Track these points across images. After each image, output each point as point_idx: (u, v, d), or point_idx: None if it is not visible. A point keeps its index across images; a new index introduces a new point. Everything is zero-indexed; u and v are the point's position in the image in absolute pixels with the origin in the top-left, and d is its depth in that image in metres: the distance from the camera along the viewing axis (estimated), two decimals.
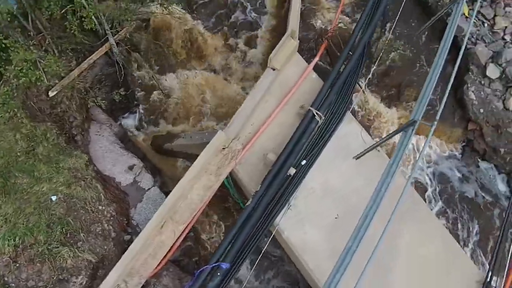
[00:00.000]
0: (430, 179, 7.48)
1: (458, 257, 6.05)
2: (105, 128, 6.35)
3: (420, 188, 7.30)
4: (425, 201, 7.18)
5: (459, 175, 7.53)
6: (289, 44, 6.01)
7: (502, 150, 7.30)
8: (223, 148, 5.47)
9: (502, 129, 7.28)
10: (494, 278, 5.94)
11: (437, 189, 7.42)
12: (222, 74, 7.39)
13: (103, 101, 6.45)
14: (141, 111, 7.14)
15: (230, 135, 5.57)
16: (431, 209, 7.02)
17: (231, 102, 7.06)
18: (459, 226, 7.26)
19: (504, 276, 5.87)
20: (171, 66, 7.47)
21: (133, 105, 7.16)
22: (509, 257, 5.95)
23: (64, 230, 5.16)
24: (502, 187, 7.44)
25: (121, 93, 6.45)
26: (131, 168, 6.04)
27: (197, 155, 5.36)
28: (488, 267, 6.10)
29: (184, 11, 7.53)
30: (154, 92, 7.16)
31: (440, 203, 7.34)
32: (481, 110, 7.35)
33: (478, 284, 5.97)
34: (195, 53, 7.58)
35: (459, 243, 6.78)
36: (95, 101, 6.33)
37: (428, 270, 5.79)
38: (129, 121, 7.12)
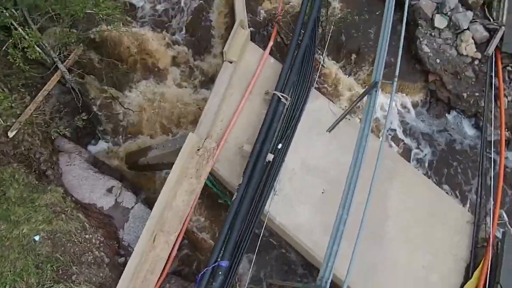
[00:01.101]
0: (403, 135, 7.65)
1: (445, 203, 6.27)
2: (74, 157, 6.18)
3: (396, 145, 7.49)
4: (404, 157, 7.39)
5: (429, 126, 7.75)
6: (241, 34, 6.00)
7: (464, 94, 7.55)
8: (198, 149, 5.43)
9: (461, 75, 7.52)
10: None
11: (412, 143, 7.61)
12: (181, 80, 7.30)
13: (67, 130, 6.28)
14: (108, 131, 6.99)
15: (201, 135, 5.53)
16: (410, 163, 7.21)
17: (195, 105, 7.01)
18: (439, 174, 7.48)
19: (491, 213, 6.14)
20: (129, 81, 7.34)
21: (98, 127, 7.01)
22: (492, 194, 6.23)
23: (54, 268, 5.01)
24: (470, 130, 7.72)
25: (83, 118, 6.30)
26: (110, 190, 5.90)
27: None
28: (474, 206, 6.35)
29: (133, 26, 7.42)
30: (117, 110, 7.01)
31: (417, 156, 7.54)
32: (438, 61, 7.56)
33: (469, 224, 6.21)
34: (151, 64, 7.47)
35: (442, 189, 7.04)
36: (58, 131, 6.17)
37: (420, 221, 5.98)
38: (98, 144, 6.96)
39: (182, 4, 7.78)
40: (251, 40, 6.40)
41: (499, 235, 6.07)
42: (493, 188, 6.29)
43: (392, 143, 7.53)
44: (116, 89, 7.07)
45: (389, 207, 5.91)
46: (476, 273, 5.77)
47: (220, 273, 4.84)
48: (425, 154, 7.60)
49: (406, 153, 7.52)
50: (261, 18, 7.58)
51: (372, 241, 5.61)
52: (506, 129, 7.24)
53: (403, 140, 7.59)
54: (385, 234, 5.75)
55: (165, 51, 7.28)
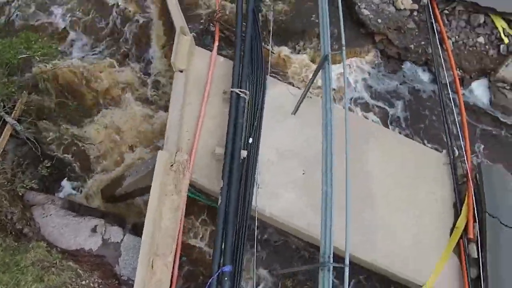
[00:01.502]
0: (370, 99, 7.83)
1: (418, 151, 6.52)
2: (48, 207, 5.94)
3: (366, 109, 7.66)
4: (376, 119, 7.58)
5: (389, 83, 7.98)
6: (184, 41, 5.93)
7: (412, 46, 7.83)
8: (171, 165, 5.34)
9: (403, 29, 7.78)
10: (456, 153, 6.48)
11: (380, 104, 7.80)
12: (137, 100, 7.14)
13: (33, 182, 6.01)
14: (76, 171, 6.76)
15: (171, 150, 5.45)
16: (379, 123, 7.42)
17: (157, 122, 6.89)
18: (412, 125, 7.73)
19: (463, 149, 6.40)
20: (85, 115, 7.11)
21: (65, 170, 6.77)
22: (459, 131, 6.49)
23: None
24: (426, 77, 8.02)
25: (46, 166, 6.06)
26: (94, 230, 5.73)
27: None
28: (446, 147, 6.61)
29: (74, 58, 7.19)
30: (79, 148, 6.80)
31: (388, 114, 7.75)
32: (379, 21, 7.78)
33: (446, 166, 6.48)
34: (103, 93, 7.27)
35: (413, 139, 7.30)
36: (24, 186, 5.90)
37: (402, 174, 6.21)
38: (69, 187, 6.72)
39: (120, 26, 7.59)
40: (198, 45, 6.36)
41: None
42: (459, 125, 6.56)
43: (363, 109, 7.70)
44: (73, 127, 6.84)
45: (370, 169, 6.07)
46: (464, 208, 6.02)
47: (226, 279, 4.81)
48: (394, 110, 7.82)
49: (376, 115, 7.72)
50: (201, 21, 7.52)
51: (362, 204, 5.76)
52: (457, 69, 7.57)
53: (371, 104, 7.77)
54: (373, 195, 5.91)
55: (113, 76, 7.10)
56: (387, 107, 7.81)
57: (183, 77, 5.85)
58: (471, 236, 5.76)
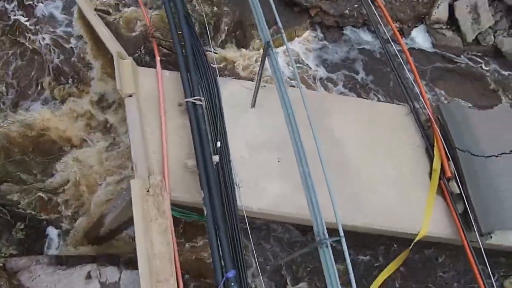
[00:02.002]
0: (325, 72, 7.97)
1: (380, 108, 6.73)
2: (34, 268, 5.70)
3: (325, 84, 7.79)
4: (334, 91, 7.73)
5: (335, 52, 8.15)
6: (124, 65, 5.81)
7: (346, 11, 8.01)
8: (148, 190, 5.24)
9: None
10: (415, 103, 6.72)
11: (335, 75, 7.95)
12: (95, 136, 6.94)
13: (12, 248, 5.80)
14: (54, 224, 6.52)
15: (143, 176, 5.34)
16: (336, 93, 7.58)
17: (124, 152, 6.73)
18: (368, 86, 7.95)
19: (420, 96, 6.63)
20: (47, 164, 6.86)
21: (42, 226, 6.52)
22: (412, 79, 6.71)
23: None
24: (368, 36, 8.24)
25: (20, 228, 5.85)
26: (88, 276, 5.56)
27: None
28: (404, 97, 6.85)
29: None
30: (51, 199, 6.56)
31: (343, 82, 7.93)
32: None
33: (409, 115, 6.71)
34: (58, 138, 7.01)
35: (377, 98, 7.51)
36: (4, 255, 5.66)
37: (371, 134, 6.38)
38: (52, 242, 6.49)
39: (54, 63, 7.30)
40: (141, 65, 6.24)
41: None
42: (410, 72, 6.78)
43: (321, 84, 7.82)
44: (38, 181, 6.59)
45: (339, 138, 6.21)
46: (435, 150, 6.26)
47: (232, 284, 4.79)
48: (351, 76, 8.01)
49: (335, 85, 7.87)
50: (138, 40, 7.38)
51: (341, 173, 5.88)
52: (394, 22, 7.81)
53: (326, 76, 7.90)
54: (349, 161, 6.06)
55: (62, 116, 6.87)
56: (343, 75, 7.99)
57: (134, 100, 5.73)
58: (448, 174, 6.00)
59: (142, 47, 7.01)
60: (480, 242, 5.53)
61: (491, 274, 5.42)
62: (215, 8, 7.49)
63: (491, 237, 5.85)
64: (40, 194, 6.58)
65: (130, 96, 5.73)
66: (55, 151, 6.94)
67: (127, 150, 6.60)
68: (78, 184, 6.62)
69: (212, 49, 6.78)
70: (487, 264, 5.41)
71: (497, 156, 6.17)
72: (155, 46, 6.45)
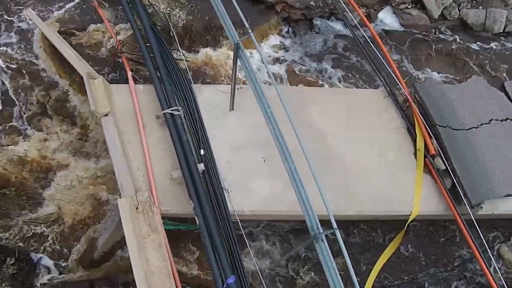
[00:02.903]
0: (301, 66, 7.96)
1: (358, 95, 6.78)
2: None
3: (301, 78, 7.78)
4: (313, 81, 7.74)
5: (308, 45, 8.16)
6: (95, 84, 5.70)
7: (312, 3, 8.03)
8: (136, 208, 5.16)
9: None
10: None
11: (312, 67, 7.95)
12: (76, 160, 6.79)
13: (5, 285, 5.64)
14: (47, 253, 6.36)
15: (130, 193, 5.25)
16: (318, 85, 7.60)
17: (107, 172, 6.62)
18: (345, 75, 8.00)
19: (395, 77, 6.69)
20: (31, 196, 6.68)
21: (35, 258, 6.36)
22: (385, 62, 6.76)
23: None
24: (337, 25, 8.29)
25: (11, 263, 5.68)
26: None
27: None
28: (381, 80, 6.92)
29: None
30: (40, 230, 6.40)
31: (320, 74, 7.95)
32: None
33: (387, 98, 6.77)
34: (39, 169, 6.84)
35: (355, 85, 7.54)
36: None
37: (352, 121, 6.43)
38: (46, 272, 6.33)
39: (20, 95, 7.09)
40: (114, 82, 6.14)
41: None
42: (383, 57, 6.82)
43: (299, 78, 7.81)
44: (23, 214, 6.41)
45: (321, 129, 6.23)
46: (417, 129, 6.33)
47: None
48: (328, 66, 8.03)
49: (313, 77, 7.88)
50: (106, 58, 7.24)
51: (327, 164, 5.90)
52: (360, 7, 7.87)
53: (303, 69, 7.89)
54: (333, 151, 6.09)
55: (38, 146, 6.70)
56: (318, 66, 8.01)
57: (110, 119, 5.62)
58: (433, 152, 6.08)
59: (112, 64, 6.87)
60: (471, 214, 5.63)
61: (485, 243, 5.55)
62: (183, 14, 7.41)
63: (481, 208, 5.96)
64: (27, 226, 6.41)
65: (106, 115, 5.62)
66: (38, 181, 6.77)
67: (110, 169, 6.48)
68: (65, 211, 6.48)
69: (183, 57, 6.71)
70: (481, 234, 5.52)
71: (477, 128, 6.29)
72: (125, 61, 6.35)
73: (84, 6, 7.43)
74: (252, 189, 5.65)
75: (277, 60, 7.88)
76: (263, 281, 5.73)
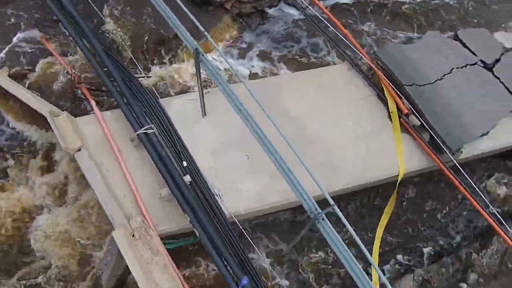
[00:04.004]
0: (263, 59, 7.97)
1: (323, 73, 6.87)
2: None
3: (267, 68, 7.80)
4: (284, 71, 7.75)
5: (268, 35, 8.18)
6: (61, 121, 5.52)
7: None
8: (133, 236, 5.05)
9: None
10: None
11: (274, 56, 7.96)
12: (55, 200, 6.53)
13: None
14: None
15: (122, 223, 5.14)
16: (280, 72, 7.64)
17: (92, 209, 6.43)
18: (303, 59, 8.06)
19: (355, 49, 6.81)
20: (20, 252, 6.40)
21: None
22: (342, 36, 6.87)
23: None
24: (290, 10, 8.37)
25: None
26: None
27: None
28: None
29: None
30: (37, 283, 6.15)
31: (280, 62, 7.97)
32: None
33: (351, 71, 6.90)
34: (22, 218, 6.56)
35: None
36: None
37: (325, 98, 6.56)
38: None
39: None
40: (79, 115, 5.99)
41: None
42: (340, 32, 6.92)
43: (269, 69, 7.83)
44: (16, 272, 6.14)
45: (295, 114, 6.29)
46: (386, 93, 6.49)
47: None
48: (288, 53, 8.06)
49: (282, 65, 7.89)
50: (64, 91, 6.99)
51: (309, 146, 5.98)
52: None
53: (267, 60, 7.90)
54: (312, 132, 6.17)
55: (13, 194, 6.43)
56: (281, 54, 8.01)
57: (84, 153, 5.46)
58: (405, 111, 6.25)
59: (72, 96, 6.66)
60: (454, 160, 5.84)
61: (473, 183, 5.77)
62: (135, 31, 7.25)
63: (461, 152, 6.19)
64: (26, 283, 6.14)
65: (79, 150, 5.46)
66: (25, 234, 6.49)
67: (94, 203, 6.30)
68: (58, 256, 6.24)
69: (144, 74, 6.59)
70: (466, 176, 5.75)
71: (441, 79, 6.50)
72: (86, 91, 6.18)
73: (26, 43, 7.13)
74: (242, 188, 5.64)
75: (240, 56, 7.85)
76: (274, 273, 5.78)
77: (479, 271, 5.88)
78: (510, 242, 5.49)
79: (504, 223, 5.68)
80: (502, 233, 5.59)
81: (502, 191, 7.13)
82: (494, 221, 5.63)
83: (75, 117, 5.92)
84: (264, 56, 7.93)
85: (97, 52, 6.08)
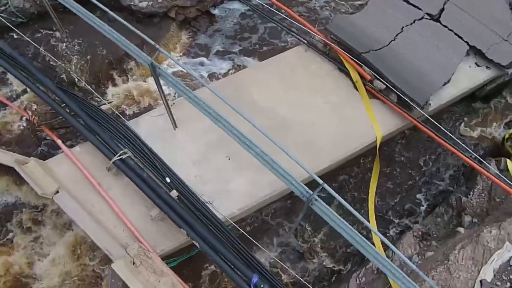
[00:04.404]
0: (223, 59, 7.93)
1: (282, 59, 6.92)
2: None
3: (228, 67, 7.77)
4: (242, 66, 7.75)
5: (221, 35, 8.15)
6: (30, 168, 5.30)
7: None
8: (133, 263, 4.94)
9: None
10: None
11: (227, 56, 7.93)
12: (42, 249, 6.27)
13: None
14: None
15: (120, 253, 5.01)
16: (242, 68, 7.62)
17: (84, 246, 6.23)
18: (261, 49, 8.09)
19: (308, 29, 6.87)
20: None
21: None
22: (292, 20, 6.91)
23: None
24: (235, 5, 8.34)
25: None
26: None
27: None
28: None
29: None
30: None
31: (240, 57, 7.96)
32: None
33: (308, 50, 6.96)
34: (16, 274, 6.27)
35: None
36: None
37: (286, 86, 6.58)
38: None
39: None
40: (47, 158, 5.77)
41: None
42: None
43: (230, 68, 7.81)
44: None
45: (266, 104, 6.30)
46: (346, 65, 6.59)
47: (262, 286, 4.76)
48: (245, 47, 8.06)
49: (241, 61, 7.87)
50: (25, 136, 6.71)
51: (287, 132, 6.03)
52: None
53: (227, 58, 7.85)
54: (287, 119, 6.20)
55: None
56: (238, 49, 8.01)
57: (63, 195, 5.28)
58: (368, 77, 6.38)
59: (36, 140, 6.41)
60: (425, 114, 6.02)
61: (445, 130, 5.99)
62: (84, 60, 7.04)
63: (430, 105, 6.39)
64: None
65: (57, 192, 5.27)
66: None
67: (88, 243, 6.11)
68: None
69: (105, 101, 6.42)
70: (440, 126, 5.96)
71: (395, 39, 6.66)
72: (49, 131, 5.97)
73: None
74: (231, 189, 5.62)
75: (199, 60, 7.78)
76: (282, 263, 5.80)
77: (472, 212, 6.11)
78: (492, 178, 5.74)
79: (483, 161, 5.92)
80: (484, 171, 5.83)
81: (474, 132, 7.44)
82: (474, 162, 5.86)
83: (44, 160, 5.71)
84: (223, 54, 7.89)
85: (49, 88, 5.86)
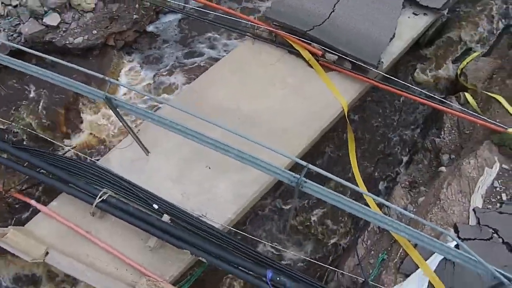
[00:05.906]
0: (169, 76, 7.81)
1: (234, 56, 6.88)
2: None
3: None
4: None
5: (163, 49, 8.02)
6: (12, 238, 5.03)
7: (135, 15, 7.81)
8: None
9: (114, 17, 7.68)
10: None
11: (179, 67, 7.82)
12: None
13: None
14: None
15: None
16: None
17: None
18: (214, 52, 8.05)
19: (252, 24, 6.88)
20: None
21: None
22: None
23: None
24: (171, 17, 8.25)
25: None
26: None
27: None
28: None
29: None
30: None
31: (193, 65, 7.88)
32: (94, 32, 7.51)
33: (256, 42, 6.99)
34: None
35: None
36: None
37: (252, 78, 6.62)
38: None
39: None
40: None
41: None
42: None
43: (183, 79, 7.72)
44: None
45: (231, 105, 6.30)
46: (299, 49, 6.69)
47: (278, 279, 4.79)
48: (194, 52, 8.01)
49: (188, 70, 7.80)
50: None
51: (259, 126, 6.07)
52: None
53: (180, 71, 7.75)
54: (255, 114, 6.23)
55: None
56: (186, 58, 7.91)
57: (54, 254, 5.07)
58: (319, 53, 6.52)
59: (7, 207, 6.10)
60: (381, 72, 6.23)
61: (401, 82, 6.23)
62: (36, 112, 6.75)
63: (382, 63, 6.60)
64: None
65: (47, 253, 5.06)
66: None
67: None
68: None
69: (68, 147, 6.20)
70: (397, 79, 6.19)
71: (334, 10, 6.81)
72: (19, 195, 5.70)
73: None
74: (220, 196, 5.60)
75: (153, 82, 7.64)
76: (290, 251, 5.86)
77: (448, 150, 6.40)
78: (457, 113, 6.03)
79: (445, 101, 6.21)
80: (447, 109, 6.12)
81: (428, 75, 7.76)
82: (437, 104, 6.12)
83: (23, 225, 5.46)
84: (176, 67, 7.77)
85: (8, 152, 5.59)
